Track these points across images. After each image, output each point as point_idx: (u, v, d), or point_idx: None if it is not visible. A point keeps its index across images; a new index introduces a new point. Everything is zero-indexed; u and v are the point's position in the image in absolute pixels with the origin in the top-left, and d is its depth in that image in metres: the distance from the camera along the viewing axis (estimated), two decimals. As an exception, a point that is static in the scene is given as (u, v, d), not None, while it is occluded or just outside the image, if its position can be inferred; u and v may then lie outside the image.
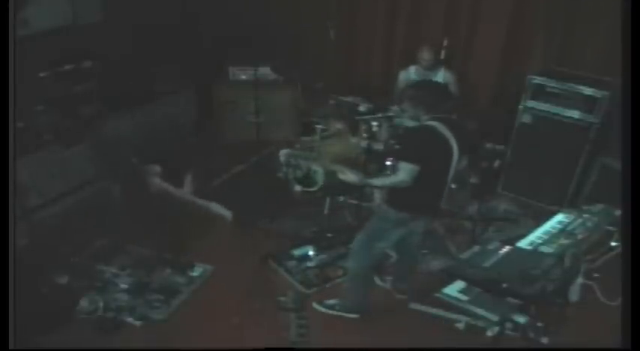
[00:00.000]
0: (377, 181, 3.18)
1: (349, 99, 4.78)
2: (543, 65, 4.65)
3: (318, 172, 4.40)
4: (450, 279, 3.37)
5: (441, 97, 3.01)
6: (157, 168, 3.03)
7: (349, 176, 3.09)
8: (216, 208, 3.62)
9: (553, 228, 2.86)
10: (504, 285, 2.49)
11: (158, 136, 4.33)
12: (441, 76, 4.68)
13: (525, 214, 4.48)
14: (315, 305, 3.46)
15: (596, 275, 2.98)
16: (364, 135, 4.44)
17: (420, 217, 3.10)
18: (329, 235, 4.15)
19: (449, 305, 3.38)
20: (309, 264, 3.87)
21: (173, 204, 3.45)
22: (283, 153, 3.12)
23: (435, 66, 4.68)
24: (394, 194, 3.02)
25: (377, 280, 3.66)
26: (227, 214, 3.79)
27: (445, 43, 4.75)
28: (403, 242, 3.23)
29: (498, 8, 4.80)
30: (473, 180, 4.65)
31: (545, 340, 2.84)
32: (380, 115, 4.39)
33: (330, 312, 3.41)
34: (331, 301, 3.45)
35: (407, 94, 3.06)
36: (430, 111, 2.91)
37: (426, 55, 4.63)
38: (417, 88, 3.10)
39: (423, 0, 5.10)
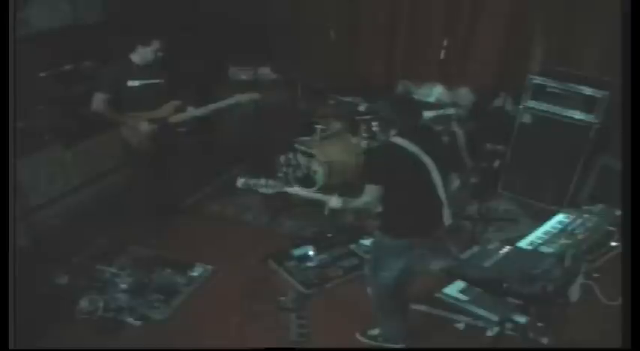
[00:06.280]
0: (352, 203, 2.88)
1: (349, 99, 4.78)
2: (543, 65, 4.65)
3: (318, 172, 4.40)
4: (450, 279, 3.36)
5: (405, 113, 2.79)
6: None
7: (334, 202, 2.85)
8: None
9: (553, 228, 2.86)
10: (504, 285, 2.49)
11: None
12: (437, 91, 4.68)
13: (525, 214, 4.48)
14: (358, 336, 3.24)
15: (596, 275, 2.99)
16: (364, 135, 4.45)
17: (419, 244, 2.87)
18: (329, 235, 4.16)
19: (449, 305, 3.38)
20: (309, 264, 3.87)
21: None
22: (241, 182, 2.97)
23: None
24: (383, 220, 2.84)
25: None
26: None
27: (445, 43, 4.75)
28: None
29: (498, 8, 4.80)
30: (473, 180, 4.66)
31: (545, 340, 2.84)
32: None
33: (374, 343, 3.20)
34: (374, 332, 3.23)
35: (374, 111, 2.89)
36: (394, 127, 2.74)
37: None
38: (381, 105, 2.89)
39: (423, 0, 5.10)
